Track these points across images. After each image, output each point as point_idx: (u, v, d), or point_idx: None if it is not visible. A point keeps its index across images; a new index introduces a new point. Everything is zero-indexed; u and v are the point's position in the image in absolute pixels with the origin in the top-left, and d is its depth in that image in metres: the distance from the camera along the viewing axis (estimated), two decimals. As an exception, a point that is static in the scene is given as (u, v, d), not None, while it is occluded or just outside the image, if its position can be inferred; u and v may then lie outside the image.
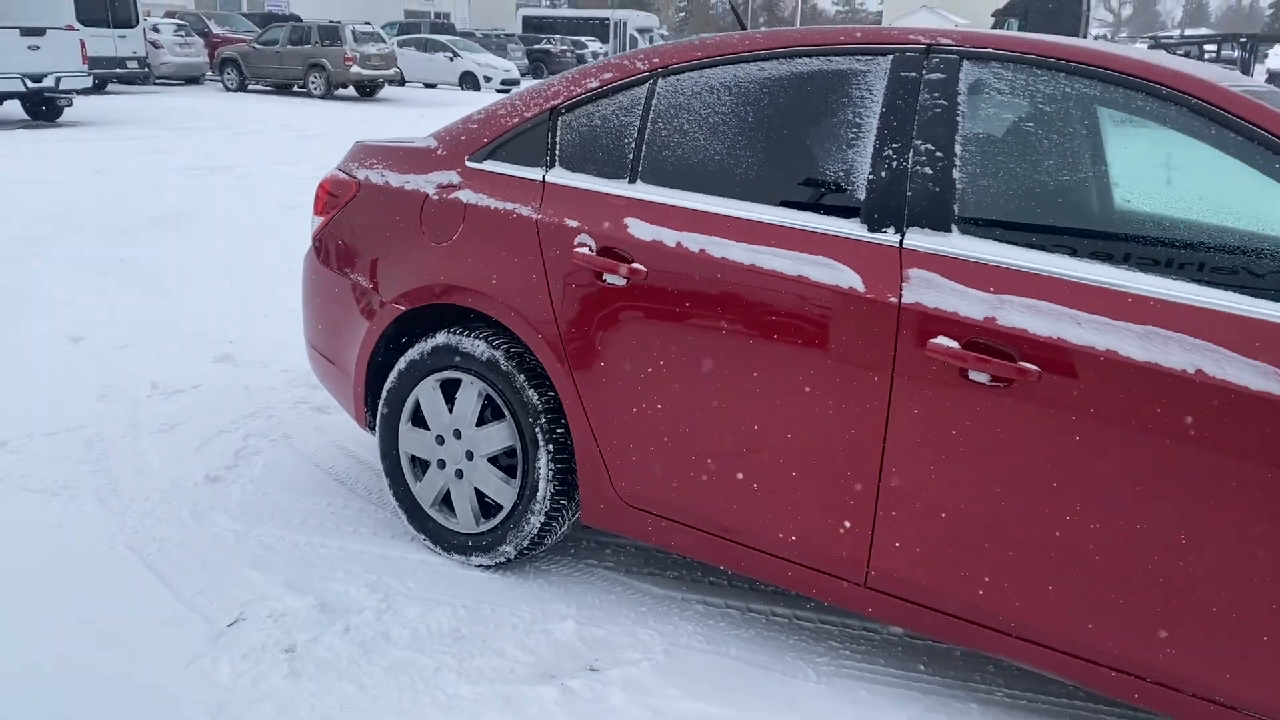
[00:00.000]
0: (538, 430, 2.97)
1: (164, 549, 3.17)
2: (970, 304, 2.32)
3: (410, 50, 28.06)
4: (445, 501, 3.23)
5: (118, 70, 20.57)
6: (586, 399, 2.88)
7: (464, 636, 2.81)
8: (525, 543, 3.07)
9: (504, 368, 2.99)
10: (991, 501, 2.33)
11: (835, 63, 2.65)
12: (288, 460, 3.90)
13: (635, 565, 3.25)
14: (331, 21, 24.54)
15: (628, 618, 2.94)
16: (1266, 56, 38.35)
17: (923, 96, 2.49)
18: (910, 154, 2.47)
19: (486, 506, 3.17)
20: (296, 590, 2.97)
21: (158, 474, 3.71)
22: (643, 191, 2.83)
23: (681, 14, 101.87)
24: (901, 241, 2.44)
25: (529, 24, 45.16)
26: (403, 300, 3.15)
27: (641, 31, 44.75)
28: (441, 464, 3.18)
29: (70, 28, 16.04)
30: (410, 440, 3.23)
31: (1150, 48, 38.09)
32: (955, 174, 2.43)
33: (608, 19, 44.26)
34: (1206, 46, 36.86)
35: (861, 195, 2.52)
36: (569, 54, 35.48)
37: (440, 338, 3.11)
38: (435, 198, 3.12)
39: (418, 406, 3.20)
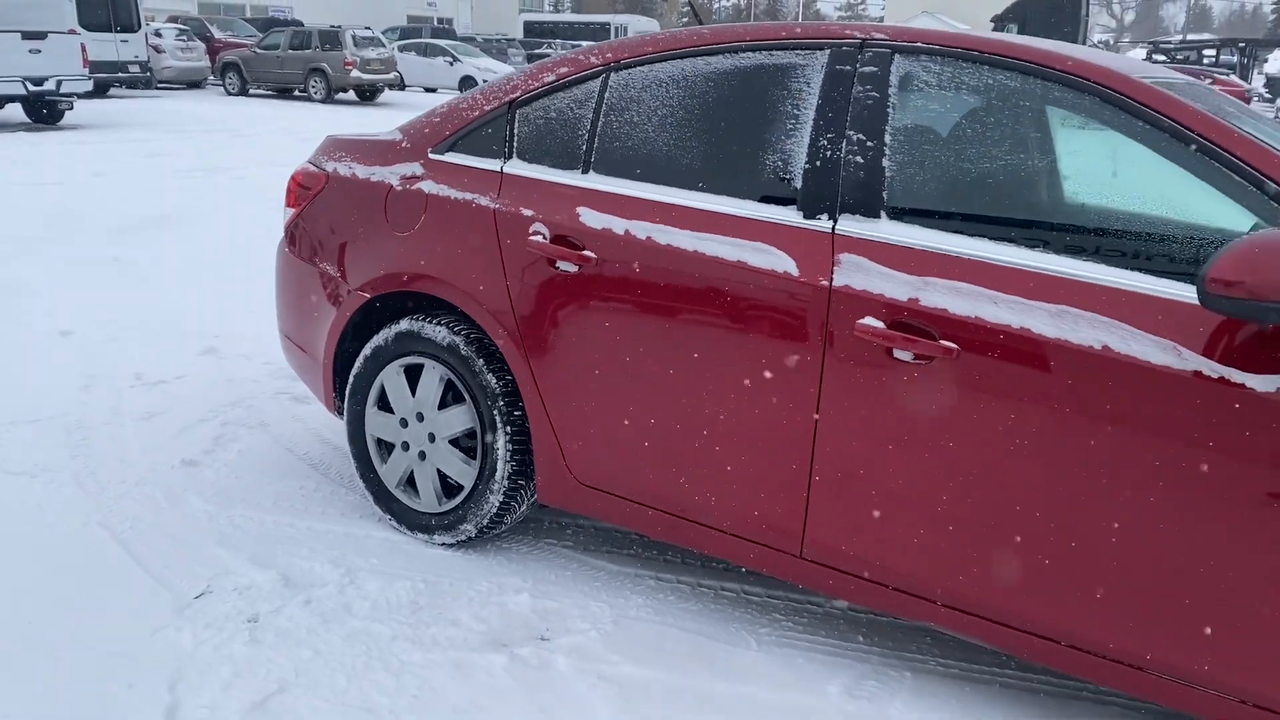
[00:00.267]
0: (496, 413, 3.08)
1: (136, 528, 3.29)
2: (896, 286, 2.43)
3: (410, 55, 28.23)
4: (410, 482, 3.35)
5: (120, 74, 20.79)
6: (541, 382, 3.00)
7: (421, 608, 2.92)
8: (485, 521, 3.18)
9: (464, 353, 3.10)
10: (915, 475, 2.44)
11: (776, 57, 2.77)
12: (264, 446, 4.02)
13: (593, 544, 3.36)
14: (332, 26, 24.74)
15: (581, 592, 3.05)
16: (1266, 61, 38.44)
17: (856, 89, 2.61)
18: (843, 144, 2.58)
19: (449, 487, 3.28)
20: (262, 566, 3.09)
21: (136, 459, 3.82)
22: (594, 182, 2.94)
23: (684, 19, 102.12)
24: (834, 228, 2.55)
25: (530, 29, 45.42)
26: (368, 288, 3.27)
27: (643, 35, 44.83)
28: (405, 446, 3.29)
29: (72, 32, 16.22)
30: (376, 423, 3.35)
31: (1150, 53, 38.22)
32: (885, 163, 2.54)
33: (608, 24, 44.42)
34: (1205, 51, 37.00)
35: (798, 184, 2.63)
36: (569, 59, 35.53)
37: (404, 324, 3.22)
38: (399, 188, 3.23)
39: (383, 391, 3.32)
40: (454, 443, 3.21)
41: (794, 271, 2.56)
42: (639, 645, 2.79)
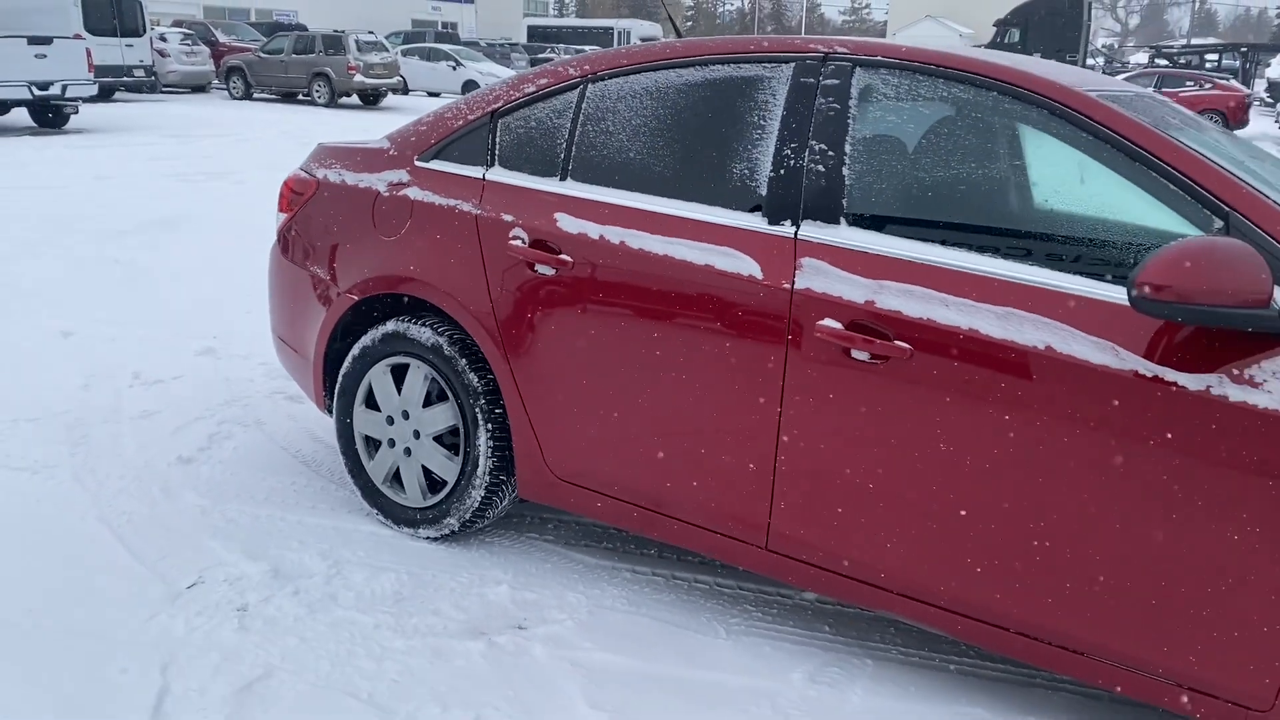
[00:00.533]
0: (478, 411, 3.20)
1: (133, 521, 3.41)
2: (853, 289, 2.55)
3: (414, 59, 28.40)
4: (396, 478, 3.47)
5: (125, 78, 20.94)
6: (521, 381, 3.11)
7: (405, 598, 3.04)
8: (468, 515, 3.30)
9: (447, 353, 3.22)
10: (871, 469, 2.55)
11: (745, 70, 2.89)
12: (258, 444, 4.14)
13: (574, 539, 3.48)
14: (335, 31, 24.89)
15: (559, 583, 3.16)
16: (1269, 65, 38.50)
17: (819, 100, 2.73)
18: (806, 153, 2.70)
19: (433, 482, 3.40)
20: (253, 557, 3.21)
21: (134, 455, 3.95)
22: (571, 188, 3.06)
23: (689, 23, 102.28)
24: (796, 233, 2.67)
25: (534, 33, 45.63)
26: (356, 290, 3.39)
27: (646, 40, 45.13)
28: (392, 443, 3.41)
29: (77, 36, 16.39)
30: (364, 421, 3.47)
31: (1152, 57, 38.33)
32: (845, 171, 2.66)
33: (611, 28, 44.59)
34: (1208, 56, 37.05)
35: (764, 191, 2.75)
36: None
37: (390, 325, 3.34)
38: (386, 195, 3.36)
39: (371, 390, 3.44)
40: (438, 439, 3.33)
41: (758, 275, 2.67)
42: (613, 634, 2.91)
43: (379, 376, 3.40)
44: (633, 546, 3.44)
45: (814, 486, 2.65)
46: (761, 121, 2.81)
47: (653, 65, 3.04)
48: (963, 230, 2.53)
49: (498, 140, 3.24)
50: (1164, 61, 35.83)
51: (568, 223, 3.00)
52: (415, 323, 3.29)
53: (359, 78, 23.81)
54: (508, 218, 3.10)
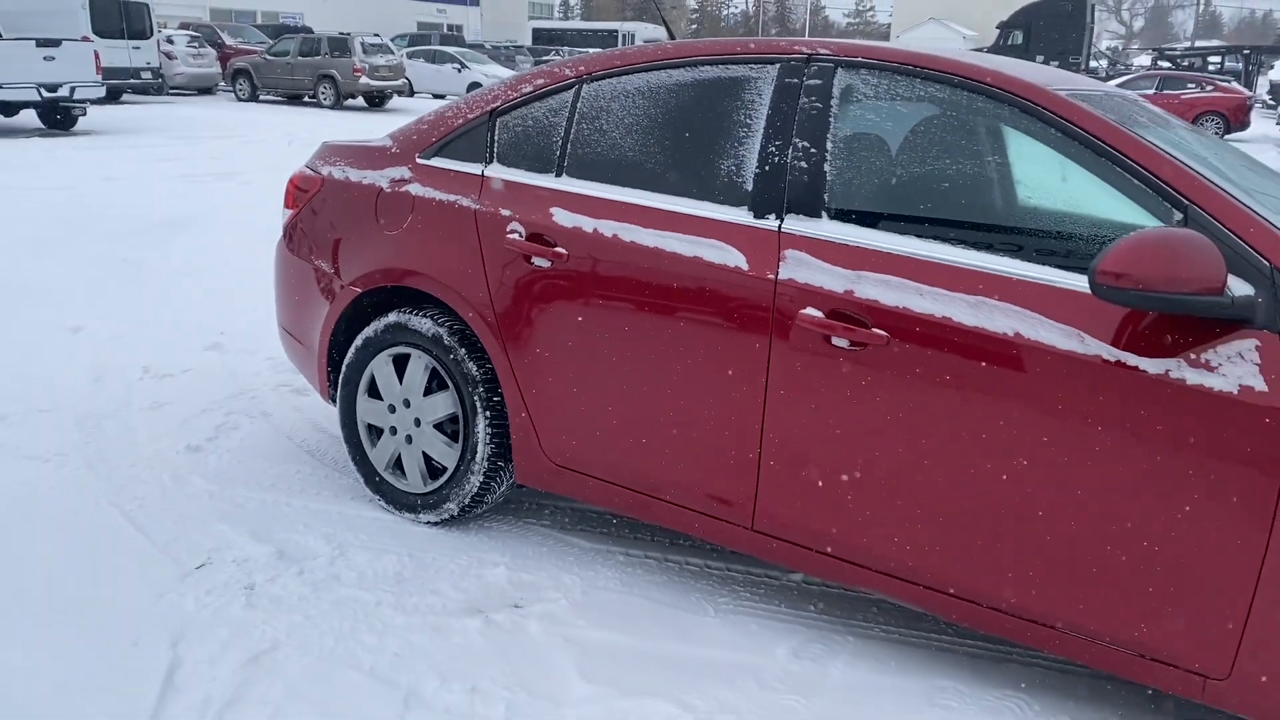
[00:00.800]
0: (476, 399, 3.32)
1: (144, 506, 3.54)
2: (834, 279, 2.66)
3: (419, 62, 28.56)
4: (397, 465, 3.59)
5: (132, 80, 21.12)
6: (518, 370, 3.23)
7: (406, 579, 3.16)
8: (467, 500, 3.41)
9: (447, 343, 3.34)
10: (851, 451, 2.67)
11: (732, 70, 3.00)
12: (264, 434, 4.26)
13: (569, 523, 3.60)
14: (341, 33, 25.06)
15: (555, 565, 3.28)
16: (1272, 68, 38.53)
17: (802, 100, 2.84)
18: (790, 150, 2.82)
19: (433, 469, 3.52)
20: (259, 540, 3.33)
21: (143, 445, 4.07)
22: (567, 184, 3.18)
23: (694, 25, 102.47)
24: (780, 226, 2.79)
25: (539, 36, 45.79)
26: (360, 283, 3.51)
27: (650, 43, 45.23)
28: (394, 430, 3.53)
29: (85, 39, 16.56)
30: (366, 409, 3.59)
31: (1155, 59, 38.37)
32: (827, 167, 2.77)
33: (616, 31, 44.73)
34: (1210, 58, 37.09)
35: (749, 187, 2.87)
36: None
37: (392, 317, 3.46)
38: (389, 191, 3.48)
39: (373, 379, 3.56)
40: (438, 427, 3.45)
41: (744, 266, 2.79)
42: (606, 613, 3.02)
43: (381, 366, 3.52)
44: (627, 531, 3.55)
45: (797, 468, 2.77)
46: (748, 120, 2.92)
47: (645, 66, 3.16)
48: (938, 223, 2.65)
49: (496, 138, 3.36)
50: (1166, 64, 35.87)
51: (563, 217, 3.12)
52: (416, 314, 3.41)
53: (364, 80, 23.98)
54: (505, 212, 3.22)
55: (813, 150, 2.79)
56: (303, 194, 3.76)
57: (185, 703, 2.53)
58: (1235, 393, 2.20)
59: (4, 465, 3.80)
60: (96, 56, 16.53)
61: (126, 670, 2.64)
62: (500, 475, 3.41)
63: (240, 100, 25.10)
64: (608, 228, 3.04)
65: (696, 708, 2.61)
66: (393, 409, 3.52)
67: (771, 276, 2.74)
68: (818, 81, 2.84)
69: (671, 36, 3.79)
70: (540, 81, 3.33)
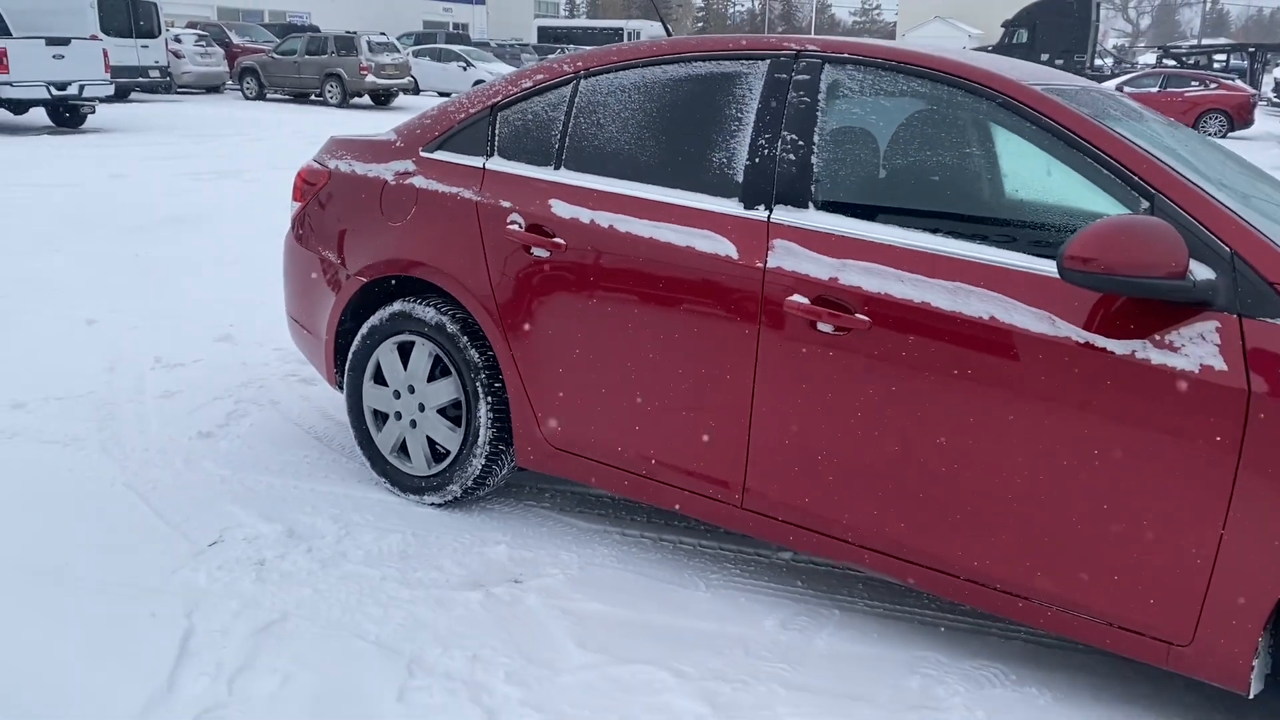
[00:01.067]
0: (478, 384, 3.45)
1: (158, 488, 3.67)
2: (819, 267, 2.78)
3: (425, 60, 28.69)
4: (402, 449, 3.72)
5: (140, 79, 21.30)
6: (518, 356, 3.36)
7: (410, 556, 3.28)
8: (469, 483, 3.54)
9: (450, 330, 3.46)
10: (836, 432, 2.79)
11: (724, 66, 3.12)
12: (273, 421, 4.39)
13: (569, 505, 3.72)
14: (348, 32, 25.21)
15: (554, 544, 3.41)
16: (1277, 66, 38.55)
17: (790, 95, 2.96)
18: (779, 143, 2.94)
19: (437, 452, 3.65)
20: (269, 520, 3.46)
21: (157, 430, 4.20)
22: (565, 176, 3.31)
23: (700, 24, 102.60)
24: (769, 217, 2.91)
25: (545, 34, 45.92)
26: (365, 273, 3.64)
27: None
28: (399, 416, 3.66)
29: (94, 38, 16.72)
30: (372, 396, 3.72)
31: (1160, 57, 38.41)
32: (814, 160, 2.89)
33: (621, 29, 44.85)
34: (1216, 56, 37.15)
35: (740, 179, 2.99)
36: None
37: (397, 305, 3.59)
38: (393, 183, 3.60)
39: (379, 366, 3.69)
40: (441, 412, 3.57)
41: (734, 255, 2.91)
42: (602, 587, 3.15)
43: (386, 354, 3.65)
44: (624, 512, 3.68)
45: (784, 448, 2.89)
46: (739, 114, 3.04)
47: (640, 62, 3.28)
48: (919, 214, 2.77)
49: (497, 132, 3.48)
50: (1171, 62, 35.91)
51: (561, 208, 3.24)
52: (420, 303, 3.53)
53: (371, 78, 24.14)
54: (506, 204, 3.35)
55: (800, 143, 2.91)
56: (310, 187, 3.89)
57: (199, 668, 2.66)
58: (1197, 372, 2.31)
59: (24, 450, 3.94)
60: (105, 55, 16.71)
61: (144, 639, 2.77)
62: (501, 458, 3.53)
63: (247, 99, 25.27)
64: (604, 219, 3.16)
65: (688, 674, 2.73)
66: (398, 395, 3.64)
67: (760, 265, 2.86)
68: (806, 77, 2.96)
69: (669, 34, 3.91)
70: (539, 77, 3.45)
